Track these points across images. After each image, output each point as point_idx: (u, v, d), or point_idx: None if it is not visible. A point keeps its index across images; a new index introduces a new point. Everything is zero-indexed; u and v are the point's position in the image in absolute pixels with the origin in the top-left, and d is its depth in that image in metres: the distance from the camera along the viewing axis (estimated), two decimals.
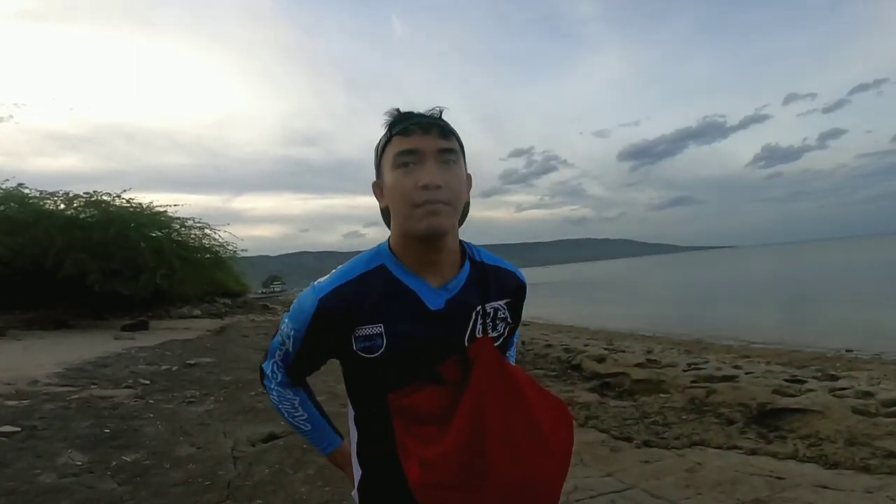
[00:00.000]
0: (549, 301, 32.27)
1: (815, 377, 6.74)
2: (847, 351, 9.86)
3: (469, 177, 1.11)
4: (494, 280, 1.15)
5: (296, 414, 1.23)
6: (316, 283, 1.11)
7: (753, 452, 3.84)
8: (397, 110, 1.06)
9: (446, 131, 1.04)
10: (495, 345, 1.12)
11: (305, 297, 1.10)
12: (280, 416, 1.27)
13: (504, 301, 1.16)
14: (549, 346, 10.82)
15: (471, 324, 1.09)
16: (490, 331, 1.11)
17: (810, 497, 2.91)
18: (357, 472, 1.17)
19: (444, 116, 1.08)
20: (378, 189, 1.12)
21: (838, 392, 5.50)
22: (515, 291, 1.21)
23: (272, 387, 1.23)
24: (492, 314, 1.12)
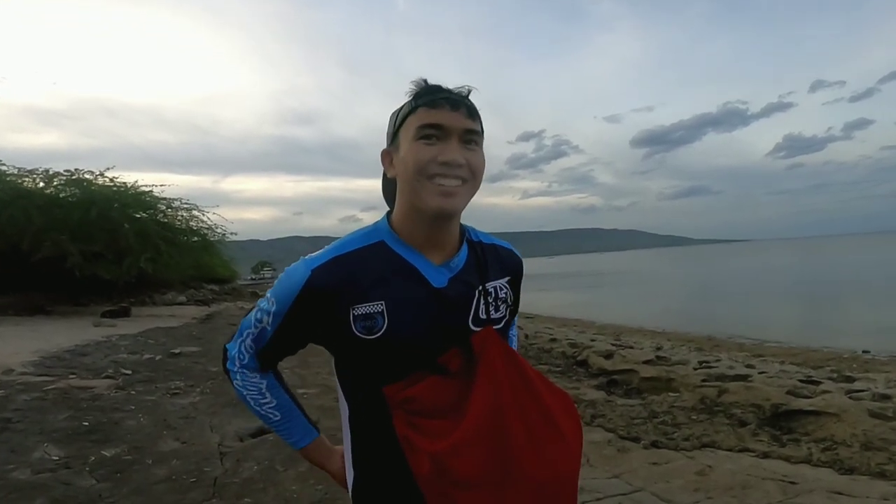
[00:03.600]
0: (554, 294, 32.36)
1: (830, 378, 6.79)
2: (864, 352, 9.92)
3: (485, 159, 1.12)
4: (493, 258, 1.17)
5: (263, 401, 1.16)
6: (307, 256, 1.08)
7: (766, 455, 3.88)
8: (425, 81, 1.05)
9: (473, 112, 1.04)
10: (498, 327, 1.12)
11: (295, 268, 1.06)
12: (246, 406, 1.18)
13: (505, 279, 1.18)
14: (554, 340, 10.88)
15: (473, 304, 1.09)
16: (493, 312, 1.11)
17: (824, 503, 2.96)
18: (350, 474, 1.15)
19: (471, 97, 1.07)
20: (388, 157, 1.10)
21: (854, 394, 5.54)
22: (514, 269, 1.22)
23: (236, 369, 1.16)
24: (493, 294, 1.12)
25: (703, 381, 6.51)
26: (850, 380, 6.74)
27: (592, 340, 10.78)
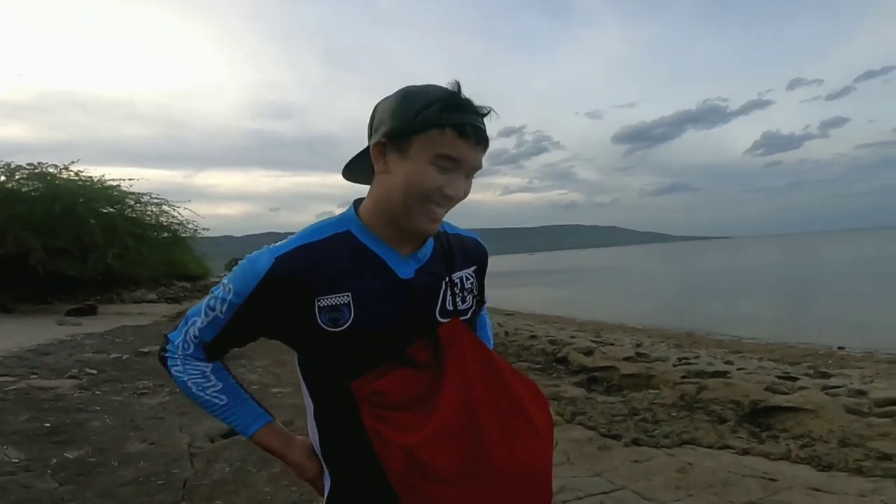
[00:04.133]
0: (534, 290, 32.56)
1: (807, 374, 6.90)
2: (839, 348, 10.10)
3: None
4: (459, 249, 1.16)
5: (207, 385, 1.08)
6: (271, 245, 1.04)
7: (746, 452, 3.93)
8: (458, 86, 0.98)
9: (487, 145, 1.01)
10: (465, 318, 1.11)
11: (257, 255, 1.02)
12: (185, 394, 1.09)
13: (471, 269, 1.17)
14: (534, 337, 10.91)
15: (440, 296, 1.08)
16: (460, 303, 1.10)
17: (804, 500, 3.00)
18: (327, 482, 1.11)
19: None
20: (384, 153, 1.01)
21: (831, 390, 5.63)
22: (479, 258, 1.21)
23: (176, 355, 1.07)
24: (460, 284, 1.12)
25: (683, 377, 6.56)
26: (826, 376, 6.86)
27: (572, 337, 10.83)
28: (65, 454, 3.92)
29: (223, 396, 1.09)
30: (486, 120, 1.00)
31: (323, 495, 1.13)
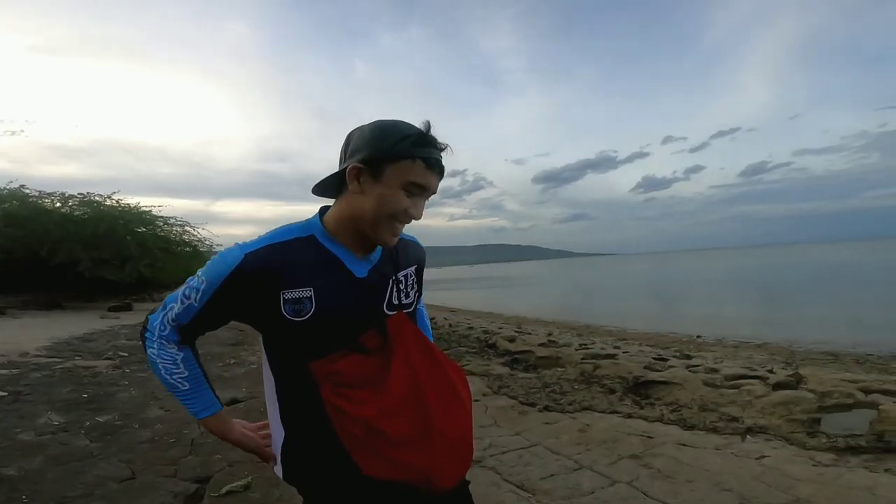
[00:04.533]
0: (473, 293, 32.63)
1: (675, 356, 7.05)
2: (697, 336, 10.46)
3: None
4: (403, 251, 1.11)
5: (175, 371, 0.99)
6: (242, 242, 0.96)
7: (630, 416, 3.93)
8: (428, 125, 0.94)
9: (443, 176, 0.99)
10: (408, 311, 1.07)
11: (228, 251, 0.94)
12: (153, 371, 1.01)
13: (412, 268, 1.12)
14: (471, 328, 10.84)
15: (388, 292, 1.03)
16: (404, 298, 1.06)
17: (674, 453, 2.99)
18: (279, 435, 1.03)
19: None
20: (359, 176, 0.94)
21: (692, 368, 5.77)
22: (419, 258, 1.16)
23: (153, 338, 0.99)
24: (404, 281, 1.07)
25: (583, 359, 6.60)
26: (688, 357, 7.02)
27: (500, 328, 10.82)
28: (96, 418, 3.88)
29: (186, 383, 1.01)
30: (443, 154, 0.98)
31: (268, 460, 1.07)
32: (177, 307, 0.97)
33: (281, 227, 1.00)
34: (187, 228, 18.68)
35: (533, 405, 4.33)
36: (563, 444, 3.27)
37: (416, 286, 1.12)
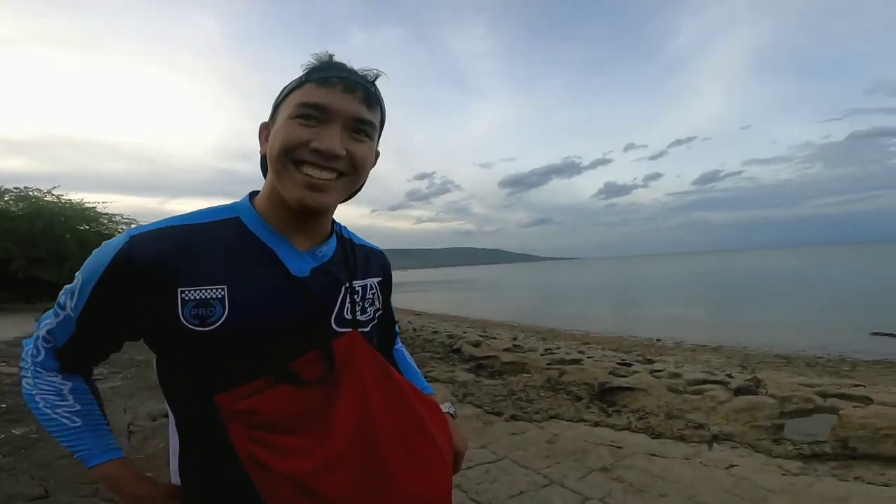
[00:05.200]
0: (438, 295, 32.48)
1: (638, 361, 7.06)
2: (657, 339, 10.61)
3: (377, 154, 0.79)
4: (363, 257, 0.86)
5: (61, 404, 0.72)
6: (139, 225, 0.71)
7: (597, 424, 3.84)
8: (330, 56, 0.72)
9: (373, 99, 0.72)
10: (364, 331, 0.79)
11: (112, 239, 0.68)
12: (31, 410, 0.73)
13: (375, 280, 0.86)
14: (436, 332, 10.65)
15: (338, 302, 0.75)
16: (360, 313, 0.78)
17: (645, 464, 2.90)
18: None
19: (378, 83, 0.74)
20: (265, 132, 0.75)
21: (656, 373, 5.76)
22: (384, 271, 0.92)
23: (28, 367, 0.73)
24: (361, 293, 0.80)
25: (548, 364, 6.52)
26: (651, 362, 7.05)
27: (465, 332, 10.68)
28: (12, 430, 3.53)
29: (77, 419, 0.73)
30: (369, 79, 0.73)
31: None
32: (51, 322, 0.72)
33: (200, 209, 0.75)
34: (133, 226, 17.93)
35: (499, 414, 4.18)
36: (531, 456, 3.12)
37: (377, 303, 0.85)
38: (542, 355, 7.33)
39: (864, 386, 4.97)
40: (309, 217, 0.73)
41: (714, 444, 3.24)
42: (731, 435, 3.41)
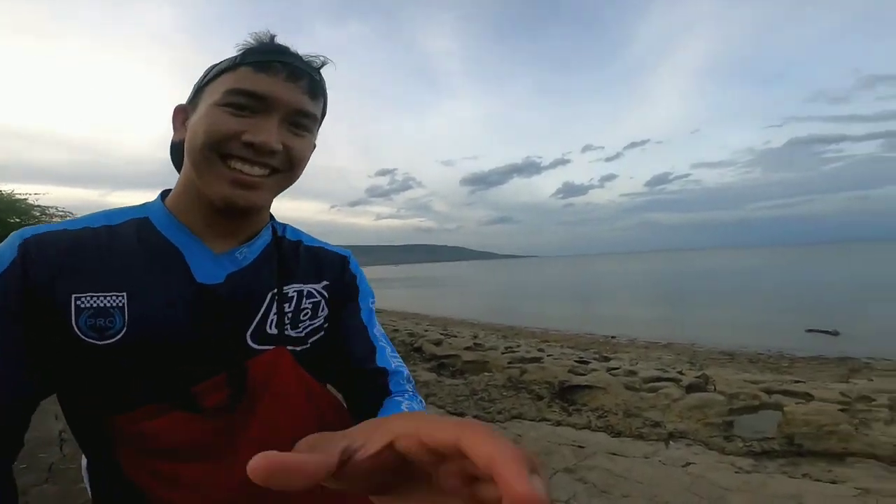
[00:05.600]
0: (398, 293, 32.27)
1: (595, 359, 7.20)
2: (612, 337, 10.87)
3: (314, 147, 0.68)
4: (308, 259, 0.71)
5: None
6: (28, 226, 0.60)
7: (559, 424, 3.87)
8: (272, 37, 0.61)
9: (317, 90, 0.62)
10: (298, 349, 0.65)
11: (2, 245, 0.57)
12: None
13: (319, 285, 0.70)
14: (396, 330, 10.54)
15: (259, 313, 0.62)
16: (289, 328, 0.64)
17: (607, 464, 2.93)
18: None
19: (324, 72, 0.64)
20: (182, 115, 0.64)
21: (613, 371, 5.88)
22: (338, 274, 0.73)
23: None
24: (295, 301, 0.66)
25: (510, 363, 6.55)
26: (607, 359, 7.20)
27: (426, 331, 10.62)
28: None
29: None
30: (315, 66, 0.63)
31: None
32: None
33: (108, 210, 0.64)
34: (68, 219, 16.98)
35: (462, 415, 4.15)
36: None
37: (321, 314, 0.69)
38: (502, 354, 7.36)
39: (804, 382, 5.25)
40: (233, 216, 0.62)
41: (671, 442, 3.33)
42: (685, 433, 3.51)
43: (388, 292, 31.58)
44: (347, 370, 0.69)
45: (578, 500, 2.47)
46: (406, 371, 0.73)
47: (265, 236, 0.68)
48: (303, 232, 0.76)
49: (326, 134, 0.66)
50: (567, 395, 4.92)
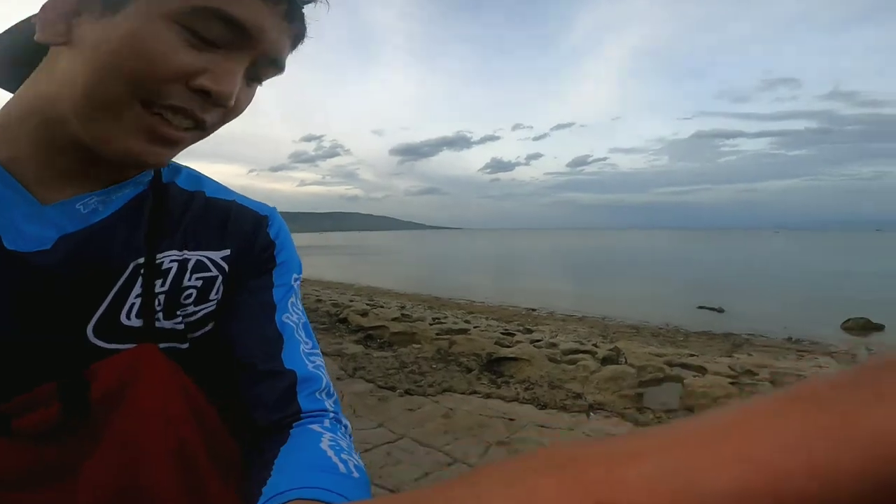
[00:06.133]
0: (321, 260, 31.38)
1: (518, 331, 7.49)
2: (532, 310, 11.35)
3: None
4: (204, 215, 0.50)
5: None
6: None
7: (489, 396, 3.99)
8: None
9: (301, 37, 0.45)
10: (176, 347, 0.45)
11: None
12: None
13: (220, 254, 0.49)
14: (320, 300, 10.25)
15: (112, 294, 0.42)
16: (161, 316, 0.44)
17: (537, 436, 3.07)
18: None
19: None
20: (68, 17, 0.39)
21: (536, 343, 6.15)
22: (251, 237, 0.52)
23: None
24: (173, 276, 0.45)
25: (437, 334, 6.61)
26: (529, 332, 7.50)
27: (351, 301, 10.42)
28: None
29: None
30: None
31: None
32: None
33: None
34: None
35: (393, 389, 4.14)
36: (429, 433, 3.13)
37: (212, 297, 0.48)
38: (430, 325, 7.41)
39: (697, 356, 5.84)
40: (98, 162, 0.43)
41: (591, 414, 3.56)
42: (603, 404, 3.77)
43: (310, 259, 30.64)
44: (237, 370, 0.46)
45: None
46: (326, 379, 0.50)
47: (135, 182, 0.47)
48: (210, 180, 0.53)
49: None
50: (494, 367, 5.09)
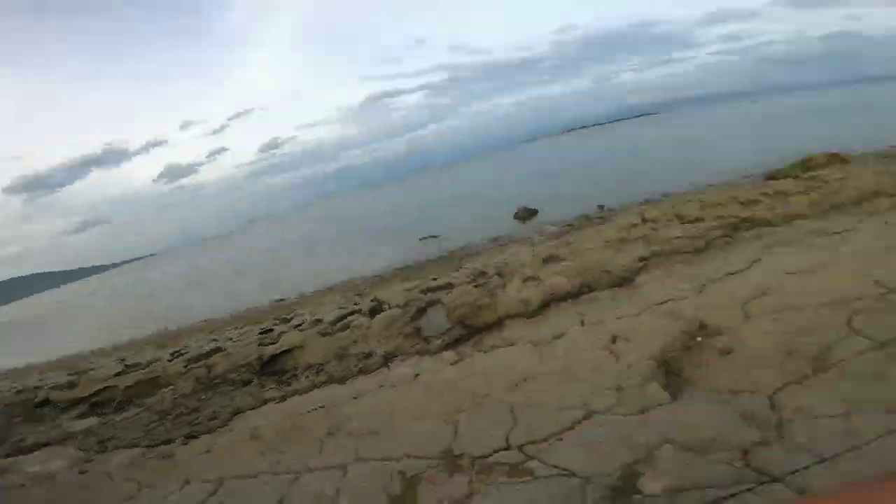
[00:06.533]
0: None
1: (276, 324, 7.05)
2: (280, 300, 10.72)
3: None
4: None
5: None
6: None
7: (284, 398, 3.68)
8: None
9: None
10: None
11: None
12: None
13: None
14: None
15: None
16: None
17: (355, 410, 2.98)
18: None
19: None
20: None
21: (300, 328, 5.90)
22: None
23: None
24: None
25: (186, 366, 5.63)
26: (287, 321, 7.15)
27: (41, 381, 7.78)
28: None
29: None
30: None
31: None
32: None
33: None
34: None
35: (169, 442, 3.38)
36: (247, 462, 2.70)
37: None
38: (170, 361, 6.24)
39: (438, 277, 6.66)
40: None
41: (390, 364, 3.68)
42: (394, 351, 3.94)
43: None
44: None
45: (361, 454, 2.44)
46: None
47: None
48: None
49: None
50: (272, 367, 4.68)
